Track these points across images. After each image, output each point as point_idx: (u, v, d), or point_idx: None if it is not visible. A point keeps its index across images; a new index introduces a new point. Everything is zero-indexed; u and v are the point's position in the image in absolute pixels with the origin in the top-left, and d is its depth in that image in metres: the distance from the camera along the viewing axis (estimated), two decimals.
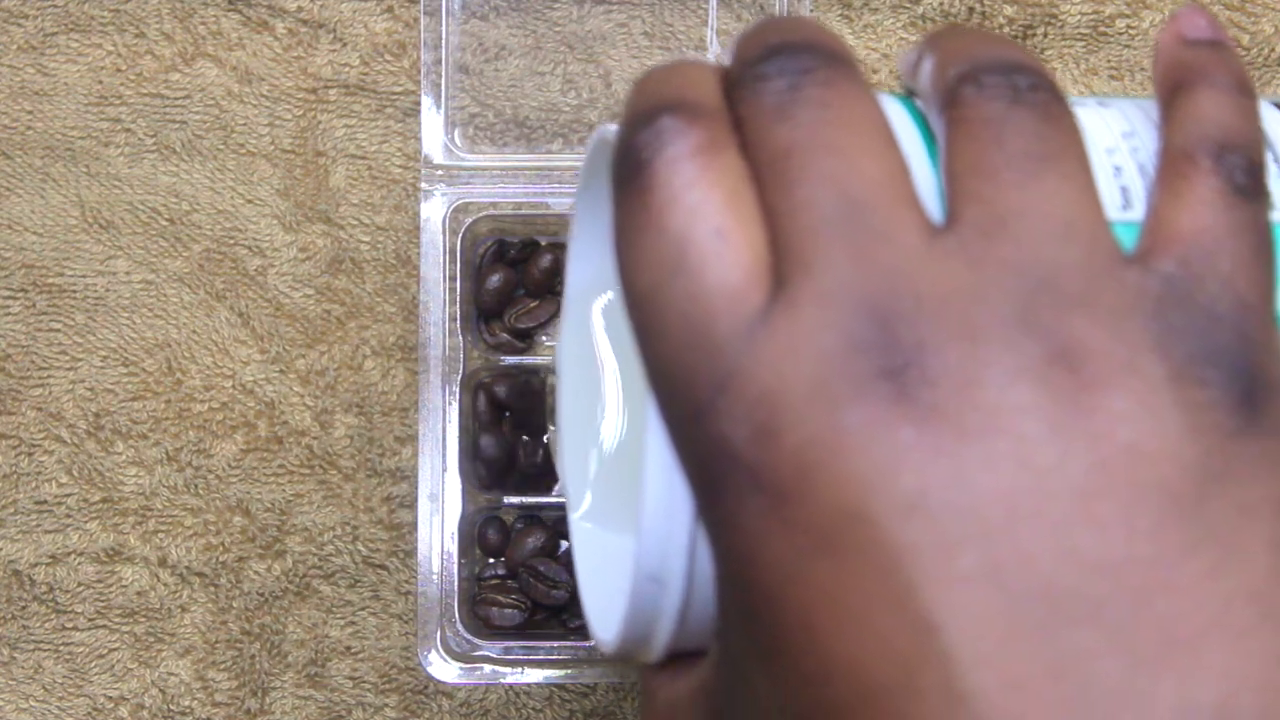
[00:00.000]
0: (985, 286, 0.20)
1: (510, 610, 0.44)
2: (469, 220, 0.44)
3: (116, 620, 0.47)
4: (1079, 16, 0.48)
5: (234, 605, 0.47)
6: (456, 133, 0.46)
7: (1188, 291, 0.20)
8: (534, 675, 0.43)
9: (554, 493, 0.46)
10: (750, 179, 0.21)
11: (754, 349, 0.20)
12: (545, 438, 0.45)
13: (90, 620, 0.47)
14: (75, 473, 0.47)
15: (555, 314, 0.46)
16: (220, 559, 0.47)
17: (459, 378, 0.44)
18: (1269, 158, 0.24)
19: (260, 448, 0.47)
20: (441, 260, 0.44)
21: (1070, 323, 0.20)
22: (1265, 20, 0.48)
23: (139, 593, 0.47)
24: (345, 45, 0.48)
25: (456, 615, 0.43)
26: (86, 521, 0.47)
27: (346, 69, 0.48)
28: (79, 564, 0.47)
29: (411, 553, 0.46)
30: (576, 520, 0.31)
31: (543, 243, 0.47)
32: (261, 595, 0.47)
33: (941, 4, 0.48)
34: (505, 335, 0.46)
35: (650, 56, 0.47)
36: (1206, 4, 0.47)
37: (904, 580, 0.19)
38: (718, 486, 0.21)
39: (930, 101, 0.23)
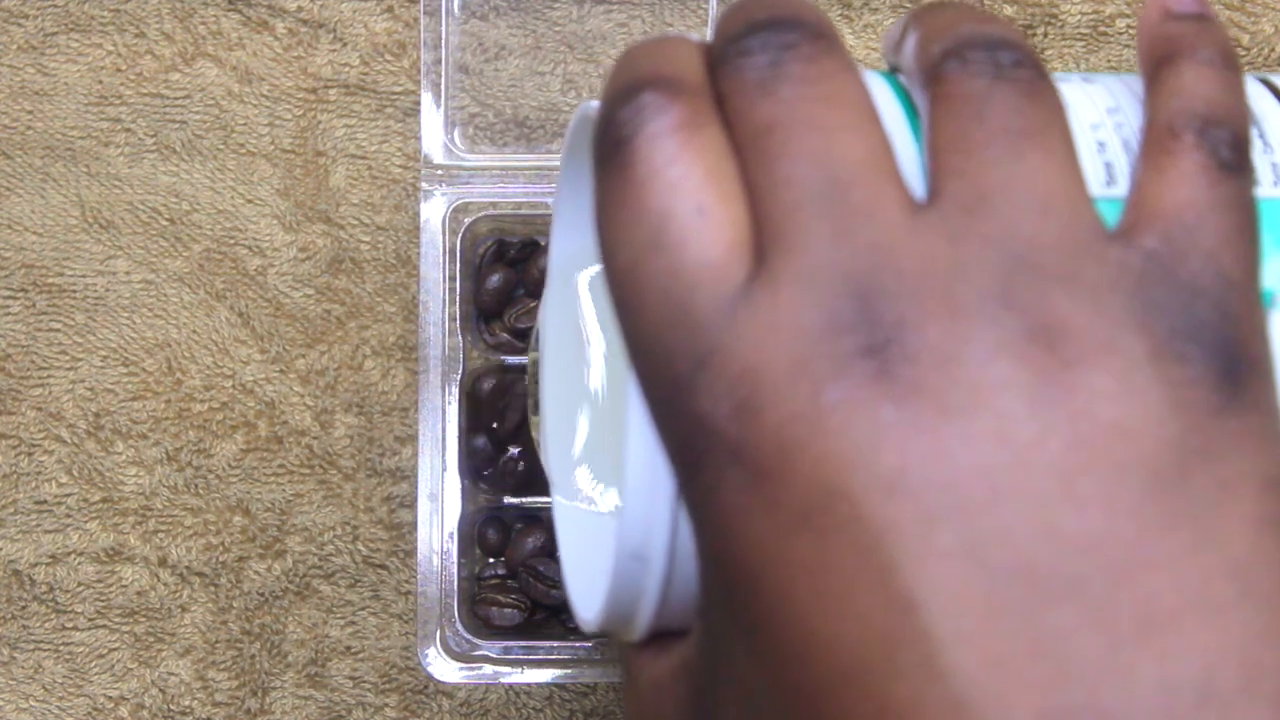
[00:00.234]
0: (966, 262, 0.20)
1: (510, 610, 0.44)
2: (469, 220, 0.45)
3: (116, 620, 0.47)
4: (1079, 16, 0.48)
5: (234, 605, 0.47)
6: (456, 133, 0.46)
7: (1170, 267, 0.20)
8: (534, 675, 0.43)
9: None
10: (732, 155, 0.21)
11: (735, 326, 0.20)
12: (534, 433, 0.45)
13: (90, 620, 0.47)
14: (75, 473, 0.47)
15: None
16: (220, 559, 0.47)
17: (459, 378, 0.44)
18: (1254, 134, 0.23)
19: (260, 448, 0.47)
20: (441, 260, 0.44)
21: (1051, 299, 0.20)
22: (1265, 20, 0.48)
23: (139, 592, 0.47)
24: (345, 45, 0.48)
25: (456, 615, 0.43)
26: (86, 521, 0.47)
27: (346, 69, 0.48)
28: (79, 564, 0.47)
29: (411, 553, 0.46)
30: (559, 498, 0.31)
31: (543, 243, 0.47)
32: (261, 595, 0.47)
33: None
34: (505, 335, 0.46)
35: None
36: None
37: (884, 558, 0.19)
38: (698, 464, 0.21)
39: (913, 77, 0.22)
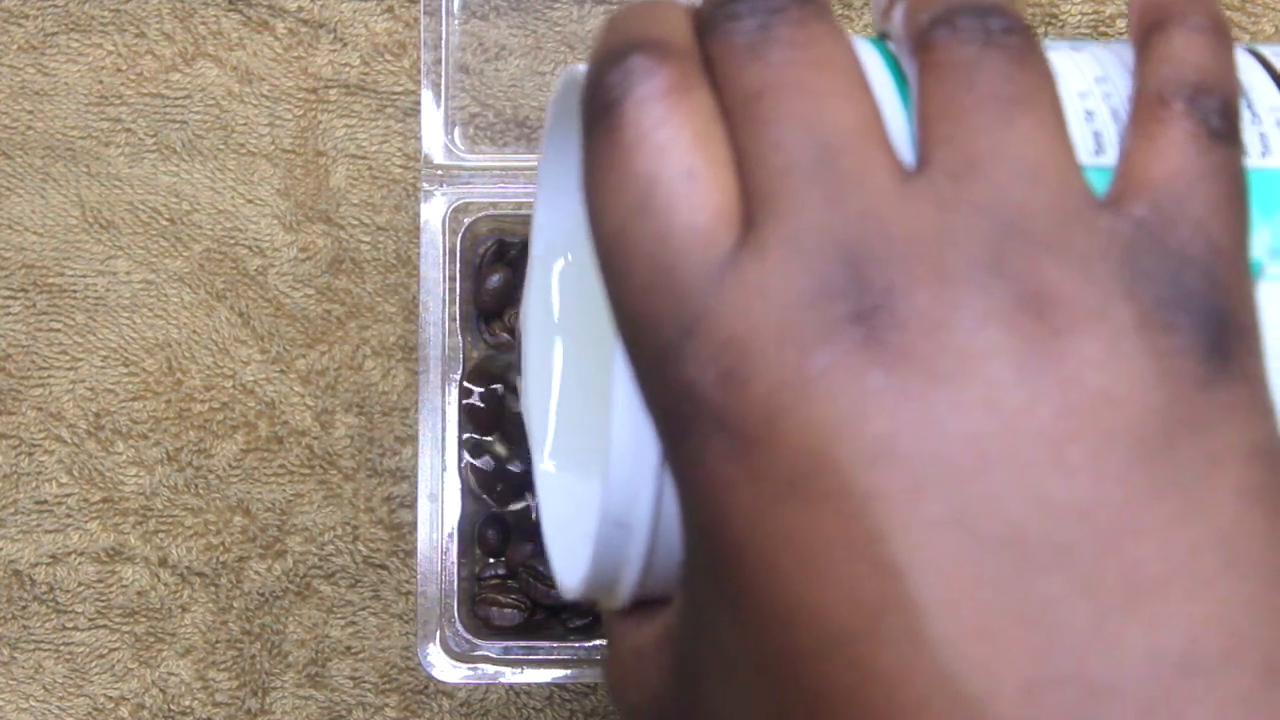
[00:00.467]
0: (956, 230, 0.20)
1: (510, 610, 0.44)
2: (469, 220, 0.44)
3: (117, 620, 0.47)
4: (1079, 16, 0.48)
5: (234, 605, 0.47)
6: (456, 133, 0.46)
7: (1159, 236, 0.20)
8: (534, 675, 0.43)
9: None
10: (721, 119, 0.21)
11: (722, 292, 0.20)
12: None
13: (90, 620, 0.47)
14: (75, 473, 0.47)
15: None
16: (220, 559, 0.47)
17: (459, 378, 0.44)
18: (1242, 105, 0.23)
19: (260, 448, 0.47)
20: (441, 260, 0.44)
21: (1040, 266, 0.20)
22: (1265, 20, 0.48)
23: (139, 593, 0.47)
24: (345, 45, 0.48)
25: (456, 615, 0.43)
26: (87, 521, 0.47)
27: (347, 69, 0.48)
28: (79, 564, 0.47)
29: (411, 553, 0.46)
30: (541, 466, 0.31)
31: None
32: (262, 595, 0.47)
33: None
34: (505, 335, 0.46)
35: None
36: None
37: (871, 526, 0.19)
38: (684, 431, 0.21)
39: (903, 44, 0.22)
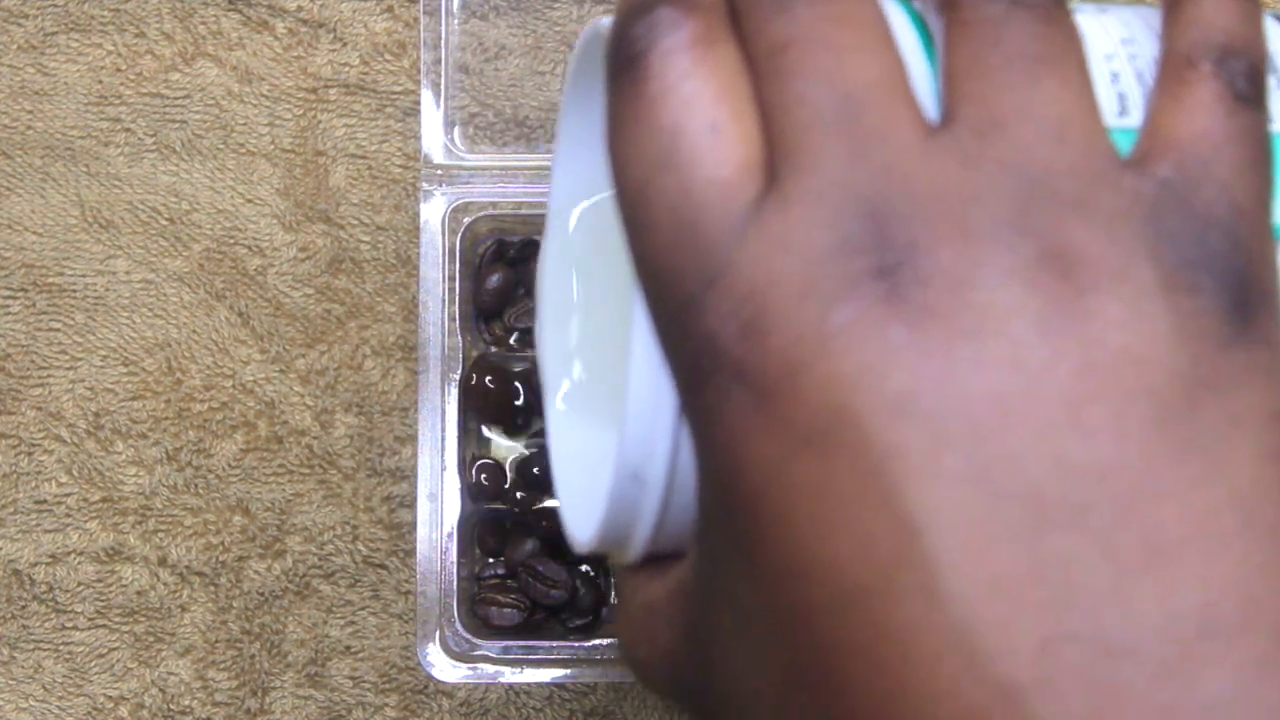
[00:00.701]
0: (979, 187, 0.20)
1: (510, 610, 0.44)
2: (469, 220, 0.44)
3: (116, 620, 0.47)
4: None
5: (234, 605, 0.47)
6: (456, 132, 0.46)
7: (1183, 196, 0.20)
8: (533, 675, 0.43)
9: (550, 494, 0.46)
10: (746, 73, 0.21)
11: (744, 245, 0.20)
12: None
13: (90, 620, 0.47)
14: (75, 472, 0.47)
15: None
16: (220, 559, 0.47)
17: (458, 378, 0.44)
18: (1269, 72, 0.23)
19: (260, 447, 0.47)
20: (441, 260, 0.44)
21: (1064, 225, 0.20)
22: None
23: (139, 592, 0.47)
24: (345, 45, 0.48)
25: (456, 615, 0.43)
26: (86, 521, 0.47)
27: (346, 69, 0.48)
28: (79, 563, 0.47)
29: (411, 552, 0.46)
30: (555, 416, 0.31)
31: None
32: (261, 595, 0.47)
33: None
34: (505, 335, 0.46)
35: None
36: None
37: (888, 481, 0.19)
38: (703, 383, 0.21)
39: (929, 1, 0.22)
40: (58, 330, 0.48)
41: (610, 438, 0.29)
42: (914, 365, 0.19)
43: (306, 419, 0.47)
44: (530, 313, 0.46)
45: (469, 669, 0.43)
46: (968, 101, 0.21)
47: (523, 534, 0.45)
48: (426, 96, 0.45)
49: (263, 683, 0.46)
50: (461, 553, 0.43)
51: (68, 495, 0.47)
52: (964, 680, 0.18)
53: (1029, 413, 0.19)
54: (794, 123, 0.20)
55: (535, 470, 0.45)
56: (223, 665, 0.47)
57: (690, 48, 0.21)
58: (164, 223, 0.48)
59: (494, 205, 0.45)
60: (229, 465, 0.47)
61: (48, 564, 0.47)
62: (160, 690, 0.47)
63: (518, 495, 0.45)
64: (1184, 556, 0.19)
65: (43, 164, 0.48)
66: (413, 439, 0.47)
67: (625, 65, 0.21)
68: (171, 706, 0.47)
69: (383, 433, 0.47)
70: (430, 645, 0.43)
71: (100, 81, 0.48)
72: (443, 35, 0.45)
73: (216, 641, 0.47)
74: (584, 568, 0.45)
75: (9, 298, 0.48)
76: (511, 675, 0.43)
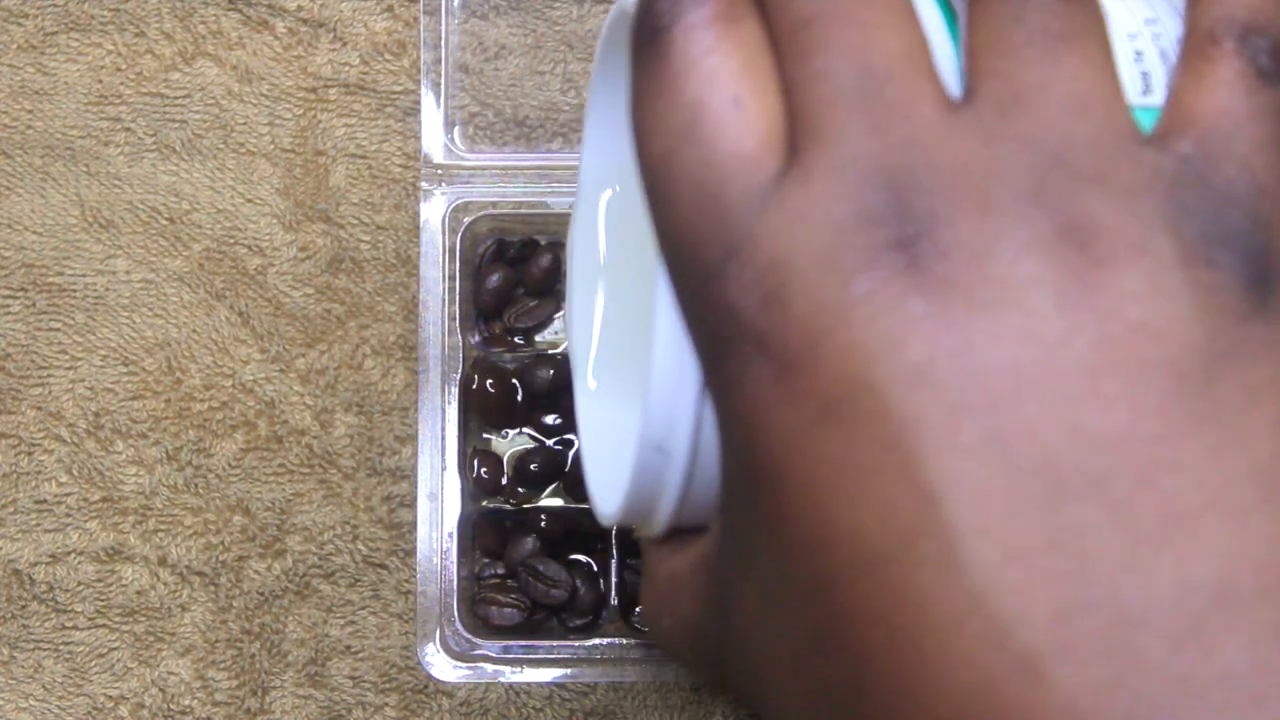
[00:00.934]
0: (1000, 161, 0.20)
1: (510, 610, 0.44)
2: (469, 220, 0.45)
3: (116, 620, 0.47)
4: None
5: (234, 605, 0.47)
6: (456, 132, 0.46)
7: (1203, 172, 0.20)
8: (533, 674, 0.43)
9: (548, 492, 0.46)
10: (769, 48, 0.21)
11: (766, 217, 0.20)
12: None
13: (90, 620, 0.47)
14: (75, 472, 0.47)
15: (555, 313, 0.46)
16: (220, 558, 0.47)
17: (459, 377, 0.44)
18: None
19: (260, 447, 0.47)
20: (441, 260, 0.44)
21: (1083, 199, 0.20)
22: None
23: (139, 592, 0.47)
24: (345, 44, 0.48)
25: (456, 615, 0.43)
26: (86, 521, 0.47)
27: (346, 68, 0.48)
28: (79, 563, 0.47)
29: (411, 552, 0.46)
30: (583, 391, 0.31)
31: (542, 242, 0.47)
32: (261, 594, 0.47)
33: None
34: (505, 334, 0.46)
35: None
36: None
37: (907, 450, 0.19)
38: (725, 354, 0.21)
39: None
40: (58, 330, 0.48)
41: (636, 414, 0.30)
42: (932, 336, 0.19)
43: (306, 419, 0.47)
44: (530, 312, 0.46)
45: (469, 669, 0.43)
46: (990, 78, 0.21)
47: (522, 534, 0.45)
48: (426, 96, 0.45)
49: (263, 682, 0.46)
50: (461, 553, 0.44)
51: (68, 495, 0.47)
52: (981, 647, 0.19)
53: (1046, 383, 0.19)
54: (816, 97, 0.21)
55: (532, 466, 0.45)
56: (223, 665, 0.47)
57: (714, 23, 0.21)
58: (164, 222, 0.48)
59: (494, 205, 0.45)
60: (229, 465, 0.47)
61: (48, 564, 0.47)
62: (160, 690, 0.47)
63: (518, 490, 0.45)
64: (1201, 527, 0.19)
65: (43, 164, 0.48)
66: (413, 439, 0.47)
67: (649, 40, 0.22)
68: (171, 706, 0.47)
69: (383, 432, 0.47)
70: (430, 645, 0.43)
71: (100, 81, 0.48)
72: (443, 35, 0.45)
73: (216, 641, 0.47)
74: (583, 558, 0.45)
75: (9, 298, 0.48)
76: (511, 675, 0.43)
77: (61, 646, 0.47)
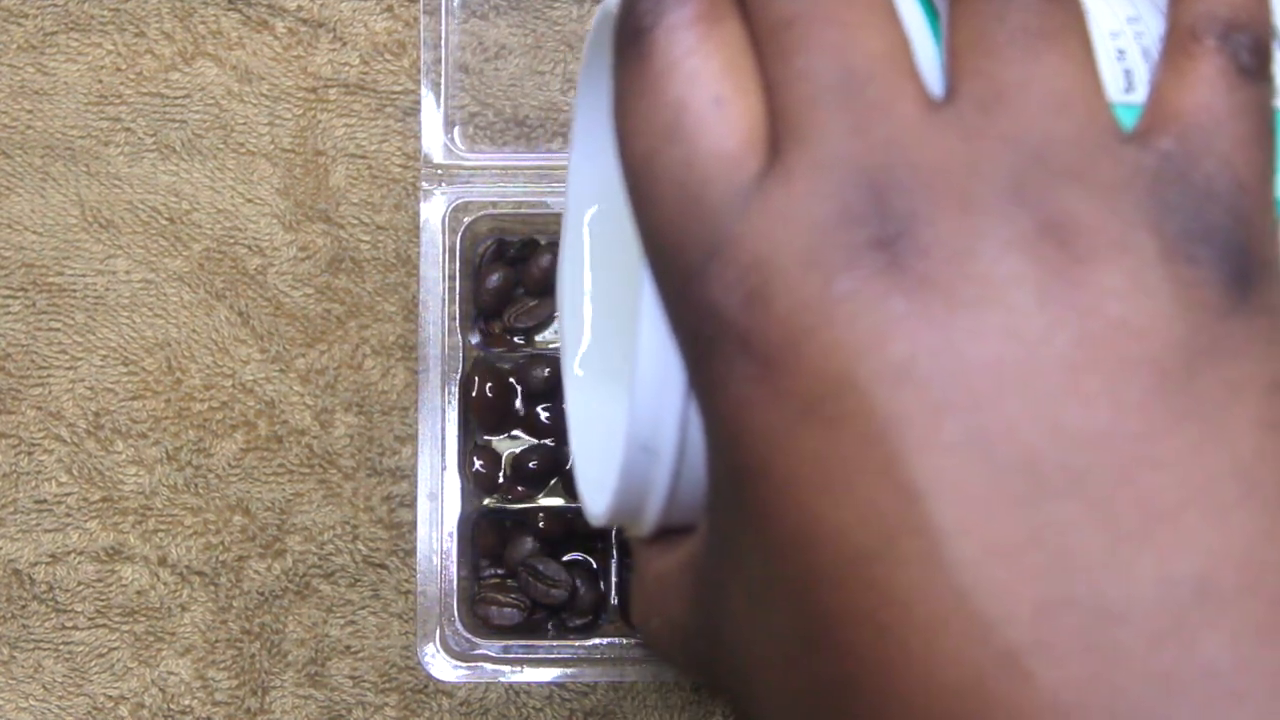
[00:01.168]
0: (980, 159, 0.20)
1: (510, 610, 0.44)
2: (469, 220, 0.45)
3: (116, 619, 0.47)
4: None
5: (234, 604, 0.47)
6: (456, 132, 0.46)
7: (1184, 169, 0.20)
8: (534, 674, 0.43)
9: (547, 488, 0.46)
10: (750, 49, 0.21)
11: (747, 216, 0.20)
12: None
13: (90, 619, 0.47)
14: (75, 472, 0.47)
15: (555, 313, 0.46)
16: (220, 558, 0.47)
17: (459, 377, 0.44)
18: (1275, 47, 0.23)
19: (260, 447, 0.47)
20: (441, 259, 0.44)
21: (1064, 196, 0.20)
22: None
23: (139, 592, 0.47)
24: (345, 44, 0.48)
25: (456, 614, 0.43)
26: (86, 520, 0.47)
27: (346, 68, 0.48)
28: (79, 563, 0.47)
29: (411, 552, 0.46)
30: (573, 391, 0.31)
31: (542, 242, 0.47)
32: (261, 594, 0.47)
33: None
34: (505, 334, 0.46)
35: None
36: None
37: (889, 448, 0.19)
38: (708, 353, 0.21)
39: None
40: (58, 330, 0.48)
41: (625, 414, 0.30)
42: (913, 334, 0.19)
43: (306, 418, 0.47)
44: (530, 312, 0.46)
45: (469, 668, 0.43)
46: (971, 76, 0.21)
47: (522, 533, 0.45)
48: (426, 96, 0.45)
49: (263, 682, 0.46)
50: (461, 552, 0.44)
51: (68, 495, 0.47)
52: (967, 644, 0.19)
53: (1027, 381, 0.19)
54: (797, 97, 0.21)
55: (530, 464, 0.45)
56: (223, 665, 0.47)
57: (695, 23, 0.21)
58: (164, 222, 0.48)
59: (494, 205, 0.45)
60: (229, 465, 0.47)
61: (48, 564, 0.47)
62: (160, 690, 0.47)
63: (516, 487, 0.45)
64: (1182, 523, 0.19)
65: (43, 164, 0.48)
66: (413, 438, 0.47)
67: (631, 40, 0.22)
68: (171, 706, 0.47)
69: (383, 432, 0.47)
70: (430, 645, 0.43)
71: (100, 81, 0.48)
72: (443, 35, 0.45)
73: (216, 641, 0.47)
74: (582, 558, 0.45)
75: (9, 298, 0.48)
76: (511, 675, 0.43)
77: (61, 646, 0.47)
